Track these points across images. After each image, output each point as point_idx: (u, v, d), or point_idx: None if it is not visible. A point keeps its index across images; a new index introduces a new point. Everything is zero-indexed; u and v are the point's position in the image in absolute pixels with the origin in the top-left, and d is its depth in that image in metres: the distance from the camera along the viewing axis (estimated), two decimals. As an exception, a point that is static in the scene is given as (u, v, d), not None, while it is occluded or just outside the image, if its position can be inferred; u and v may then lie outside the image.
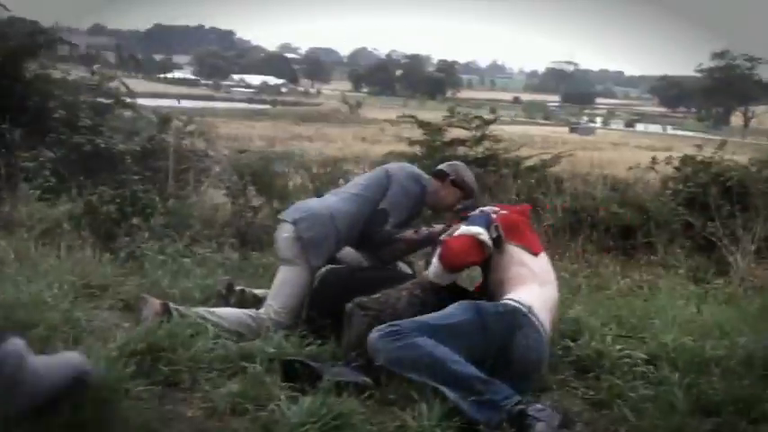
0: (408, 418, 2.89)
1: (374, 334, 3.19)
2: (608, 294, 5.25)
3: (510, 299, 3.43)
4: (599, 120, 76.92)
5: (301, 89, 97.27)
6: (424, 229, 4.23)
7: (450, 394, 2.96)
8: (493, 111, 36.73)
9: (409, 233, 4.23)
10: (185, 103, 39.59)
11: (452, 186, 4.38)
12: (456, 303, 3.39)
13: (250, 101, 69.43)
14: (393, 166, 4.54)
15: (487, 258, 3.64)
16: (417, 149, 9.24)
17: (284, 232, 4.21)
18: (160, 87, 70.84)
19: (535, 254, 3.68)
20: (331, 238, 4.18)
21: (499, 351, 3.23)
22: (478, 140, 9.19)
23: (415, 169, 4.56)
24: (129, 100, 8.42)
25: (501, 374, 3.12)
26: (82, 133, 7.70)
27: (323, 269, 4.10)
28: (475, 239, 3.58)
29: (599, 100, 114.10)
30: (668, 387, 3.34)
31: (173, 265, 4.98)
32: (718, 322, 4.35)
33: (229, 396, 3.01)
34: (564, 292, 4.51)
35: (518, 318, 3.31)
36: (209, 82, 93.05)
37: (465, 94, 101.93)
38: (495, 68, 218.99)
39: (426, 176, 4.46)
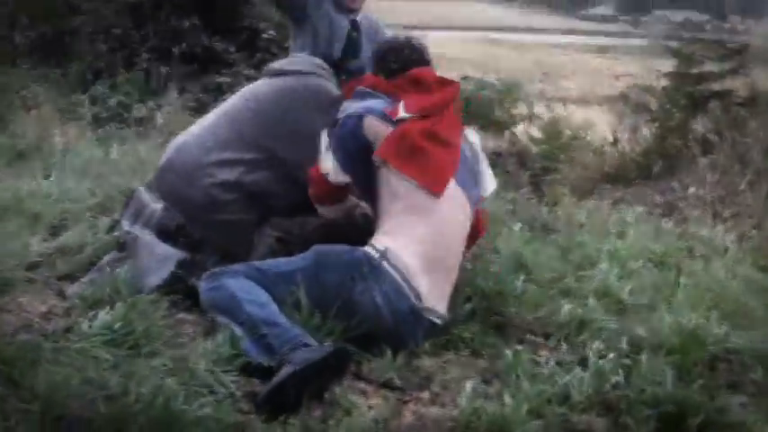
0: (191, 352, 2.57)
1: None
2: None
3: (370, 242, 2.78)
4: None
5: (727, 26, 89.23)
6: None
7: (239, 333, 2.61)
8: None
9: None
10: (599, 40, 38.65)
11: None
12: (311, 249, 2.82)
13: (667, 38, 65.47)
14: None
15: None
16: None
17: None
18: (576, 24, 70.51)
19: (434, 194, 2.82)
20: None
21: (340, 306, 2.69)
22: None
23: None
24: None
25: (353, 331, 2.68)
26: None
27: None
28: (322, 177, 2.98)
29: None
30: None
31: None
32: None
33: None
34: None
35: (359, 268, 2.69)
36: (628, 18, 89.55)
37: None
38: None
39: None
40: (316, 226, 3.09)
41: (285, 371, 2.38)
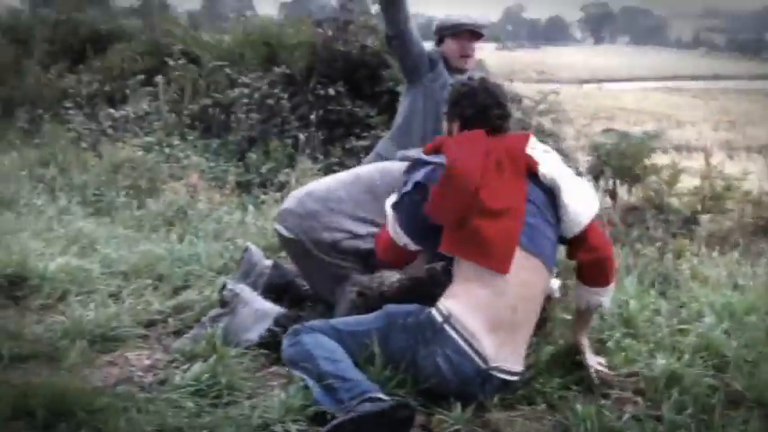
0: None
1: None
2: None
3: (436, 305, 2.78)
4: None
5: None
6: None
7: (311, 385, 2.71)
8: None
9: None
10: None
11: None
12: (383, 308, 2.89)
13: None
14: None
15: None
16: None
17: None
18: (763, 68, 67.51)
19: (500, 273, 2.78)
20: None
21: (408, 365, 2.76)
22: None
23: None
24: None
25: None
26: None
27: None
28: (392, 241, 3.02)
29: None
30: None
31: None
32: None
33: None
34: None
35: (424, 332, 2.73)
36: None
37: None
38: None
39: None
40: (394, 282, 3.14)
41: (343, 416, 2.46)
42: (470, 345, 2.69)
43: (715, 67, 75.32)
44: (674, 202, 6.75)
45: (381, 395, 2.60)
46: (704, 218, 6.82)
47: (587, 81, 57.26)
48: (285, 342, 2.90)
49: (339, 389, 2.64)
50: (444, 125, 3.26)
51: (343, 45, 7.96)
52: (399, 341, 2.76)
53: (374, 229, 3.29)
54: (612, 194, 6.88)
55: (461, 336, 2.70)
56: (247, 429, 2.55)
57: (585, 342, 3.05)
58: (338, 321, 2.95)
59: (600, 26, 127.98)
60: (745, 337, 3.27)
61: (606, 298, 3.01)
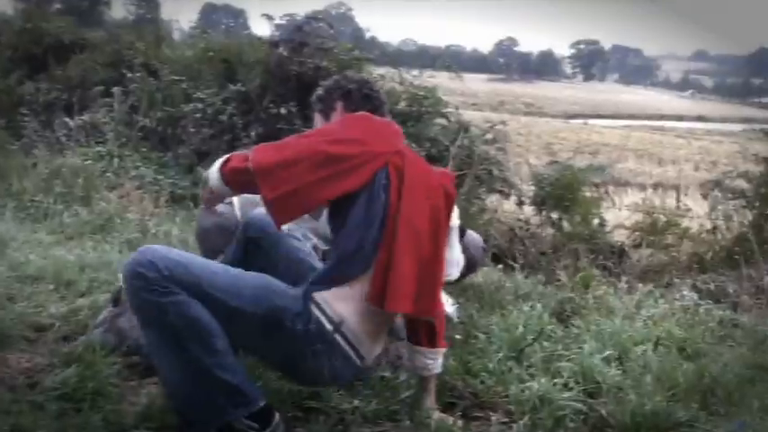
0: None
1: None
2: None
3: (323, 309, 2.56)
4: None
5: None
6: None
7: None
8: None
9: None
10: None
11: None
12: (267, 280, 2.62)
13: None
14: None
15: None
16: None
17: None
18: (749, 111, 68.35)
19: None
20: None
21: (283, 362, 2.66)
22: None
23: None
24: (445, 110, 7.90)
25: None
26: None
27: None
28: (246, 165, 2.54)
29: None
30: None
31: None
32: None
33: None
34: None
35: (314, 343, 2.55)
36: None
37: None
38: None
39: None
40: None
41: None
42: (356, 350, 2.61)
43: (701, 108, 76.15)
44: (618, 234, 6.87)
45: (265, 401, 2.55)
46: (645, 252, 6.92)
47: (574, 116, 57.77)
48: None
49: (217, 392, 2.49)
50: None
51: (298, 66, 8.02)
52: (283, 347, 2.57)
53: None
54: (554, 224, 6.97)
55: (349, 342, 2.59)
56: (99, 432, 2.56)
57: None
58: (215, 283, 2.55)
59: (590, 63, 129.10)
60: (625, 366, 3.31)
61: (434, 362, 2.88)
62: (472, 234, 4.01)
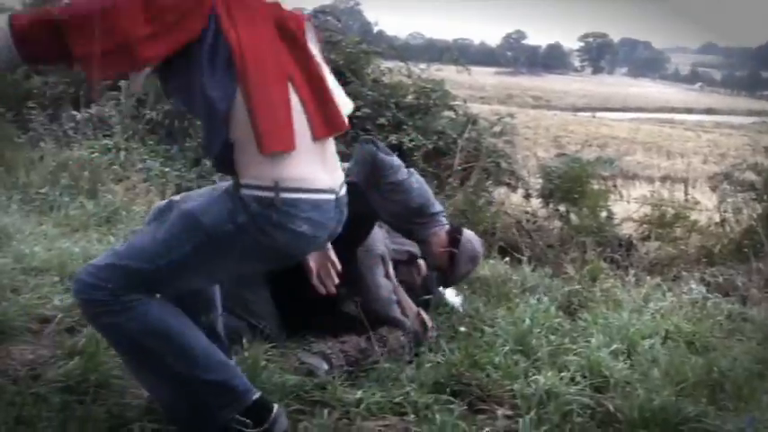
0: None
1: None
2: None
3: (248, 185, 2.23)
4: None
5: None
6: None
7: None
8: None
9: None
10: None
11: None
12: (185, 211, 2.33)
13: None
14: None
15: None
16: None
17: None
18: (758, 104, 68.22)
19: None
20: None
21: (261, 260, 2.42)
22: None
23: None
24: (453, 103, 7.88)
25: None
26: (386, 131, 7.52)
27: None
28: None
29: None
30: None
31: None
32: None
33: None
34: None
35: (268, 216, 2.23)
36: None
37: None
38: None
39: None
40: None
41: None
42: (316, 190, 2.30)
43: (710, 101, 75.93)
44: (626, 227, 6.84)
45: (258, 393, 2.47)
46: (654, 245, 6.88)
47: (582, 109, 57.67)
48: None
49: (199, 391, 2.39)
50: None
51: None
52: (248, 247, 2.28)
53: None
54: (562, 217, 6.94)
55: (301, 190, 2.27)
56: (103, 426, 2.54)
57: None
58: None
59: (599, 56, 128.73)
60: (633, 360, 3.29)
61: None
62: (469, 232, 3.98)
